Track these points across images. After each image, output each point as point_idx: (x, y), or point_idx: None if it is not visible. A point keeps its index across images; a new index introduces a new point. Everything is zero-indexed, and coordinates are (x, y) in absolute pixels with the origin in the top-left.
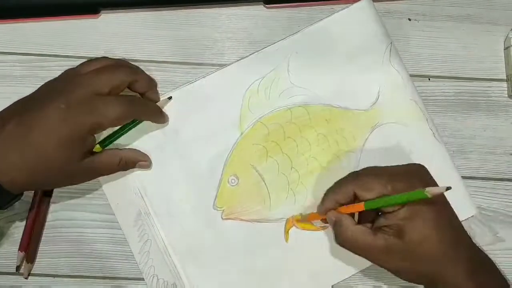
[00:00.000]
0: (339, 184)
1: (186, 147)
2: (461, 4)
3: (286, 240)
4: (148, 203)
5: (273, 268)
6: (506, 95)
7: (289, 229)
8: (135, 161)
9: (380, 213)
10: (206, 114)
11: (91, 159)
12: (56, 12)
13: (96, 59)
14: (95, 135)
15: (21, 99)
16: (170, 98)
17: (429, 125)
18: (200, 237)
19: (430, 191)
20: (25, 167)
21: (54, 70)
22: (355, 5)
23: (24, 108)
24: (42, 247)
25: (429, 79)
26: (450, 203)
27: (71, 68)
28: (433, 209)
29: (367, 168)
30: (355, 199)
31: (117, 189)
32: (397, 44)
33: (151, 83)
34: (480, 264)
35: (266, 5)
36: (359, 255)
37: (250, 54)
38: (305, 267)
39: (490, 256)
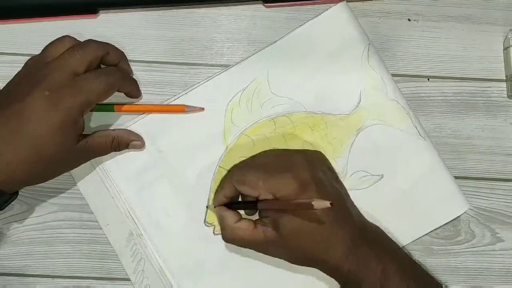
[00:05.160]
0: (224, 177)
1: (173, 166)
2: (460, 4)
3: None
4: (139, 225)
5: (270, 277)
6: (505, 96)
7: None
8: (128, 141)
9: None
10: (190, 131)
11: (85, 141)
12: (55, 12)
13: (58, 39)
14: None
15: None
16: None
17: (413, 123)
18: (193, 253)
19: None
20: (20, 163)
21: None
22: (330, 10)
23: (4, 101)
24: (41, 247)
25: (428, 79)
26: (441, 201)
27: (37, 56)
28: None
29: (255, 156)
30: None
31: (107, 210)
32: (397, 44)
33: (121, 54)
34: (360, 243)
35: (265, 4)
36: (245, 247)
37: (232, 66)
38: (303, 272)
39: (488, 257)
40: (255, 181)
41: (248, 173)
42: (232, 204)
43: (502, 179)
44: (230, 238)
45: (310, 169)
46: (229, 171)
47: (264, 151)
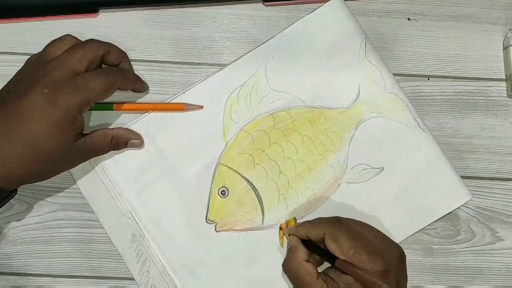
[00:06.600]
0: (318, 222)
1: (173, 165)
2: (460, 3)
3: (282, 245)
4: (142, 225)
5: (273, 275)
6: (505, 95)
7: (283, 234)
8: (127, 139)
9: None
10: (189, 129)
11: (83, 140)
12: (55, 11)
13: (59, 39)
14: (83, 115)
15: None
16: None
17: (412, 115)
18: (196, 252)
19: None
20: (19, 159)
21: None
22: (326, 5)
23: (4, 99)
24: (41, 247)
25: (428, 78)
26: (443, 191)
27: (37, 54)
28: None
29: (352, 221)
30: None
31: (108, 211)
32: (397, 43)
33: (123, 54)
34: None
35: (265, 3)
36: (295, 285)
37: (230, 63)
38: None
39: (488, 256)
40: (347, 248)
41: (344, 237)
42: (308, 243)
43: (502, 178)
44: (290, 270)
45: (400, 266)
46: (328, 219)
47: (364, 224)
